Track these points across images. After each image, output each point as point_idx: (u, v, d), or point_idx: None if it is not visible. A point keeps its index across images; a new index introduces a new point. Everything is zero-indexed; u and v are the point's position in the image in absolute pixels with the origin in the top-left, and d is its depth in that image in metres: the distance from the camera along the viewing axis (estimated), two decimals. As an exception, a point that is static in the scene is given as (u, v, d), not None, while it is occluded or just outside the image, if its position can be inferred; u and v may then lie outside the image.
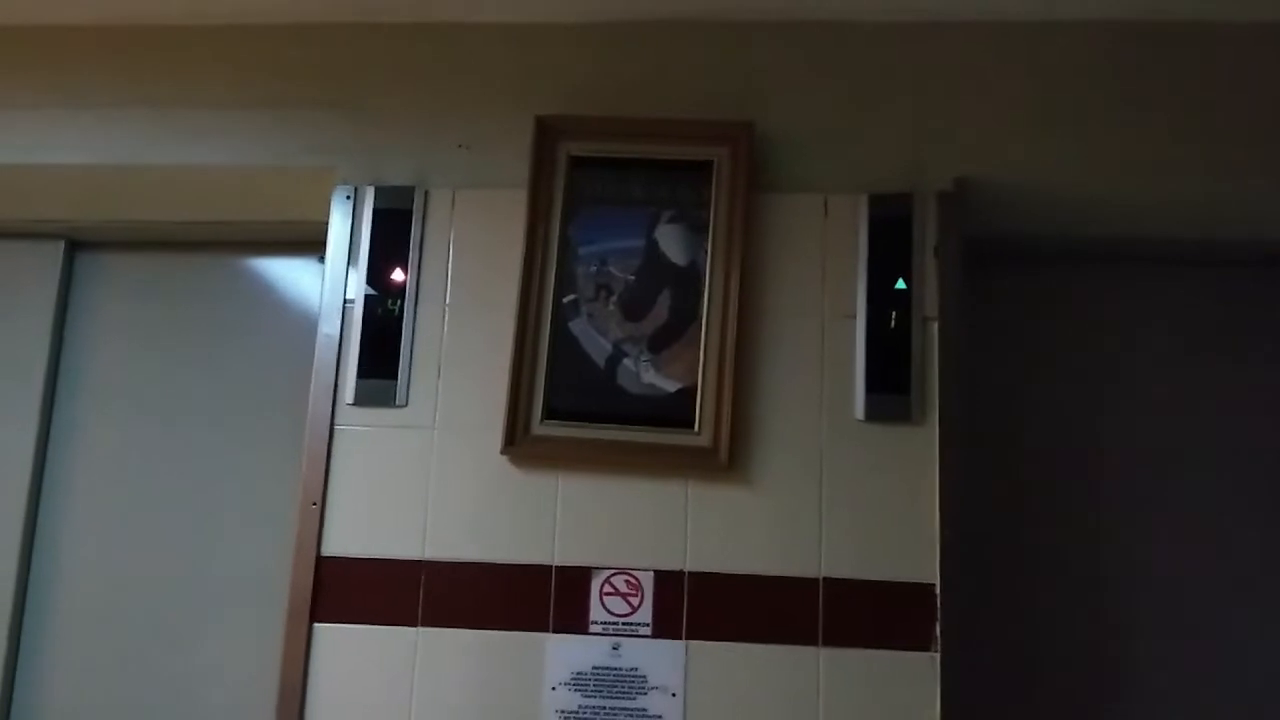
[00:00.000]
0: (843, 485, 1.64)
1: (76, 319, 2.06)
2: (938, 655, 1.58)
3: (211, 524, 1.95)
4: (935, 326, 1.68)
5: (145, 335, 2.04)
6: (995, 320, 1.90)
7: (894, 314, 1.68)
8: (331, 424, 1.70)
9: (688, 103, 1.78)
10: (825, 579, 1.62)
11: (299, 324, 1.99)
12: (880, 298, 1.69)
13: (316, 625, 1.64)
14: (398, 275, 1.74)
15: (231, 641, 1.90)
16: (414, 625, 1.63)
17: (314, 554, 1.66)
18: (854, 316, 1.69)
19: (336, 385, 1.72)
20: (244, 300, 2.04)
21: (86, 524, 1.98)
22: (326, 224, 1.80)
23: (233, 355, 2.02)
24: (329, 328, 1.74)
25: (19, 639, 1.94)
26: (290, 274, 2.04)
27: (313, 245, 1.95)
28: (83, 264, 2.08)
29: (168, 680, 1.90)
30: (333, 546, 1.66)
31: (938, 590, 1.60)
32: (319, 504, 1.67)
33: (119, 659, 1.92)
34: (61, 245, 2.06)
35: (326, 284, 1.76)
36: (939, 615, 1.59)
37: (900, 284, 1.69)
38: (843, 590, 1.61)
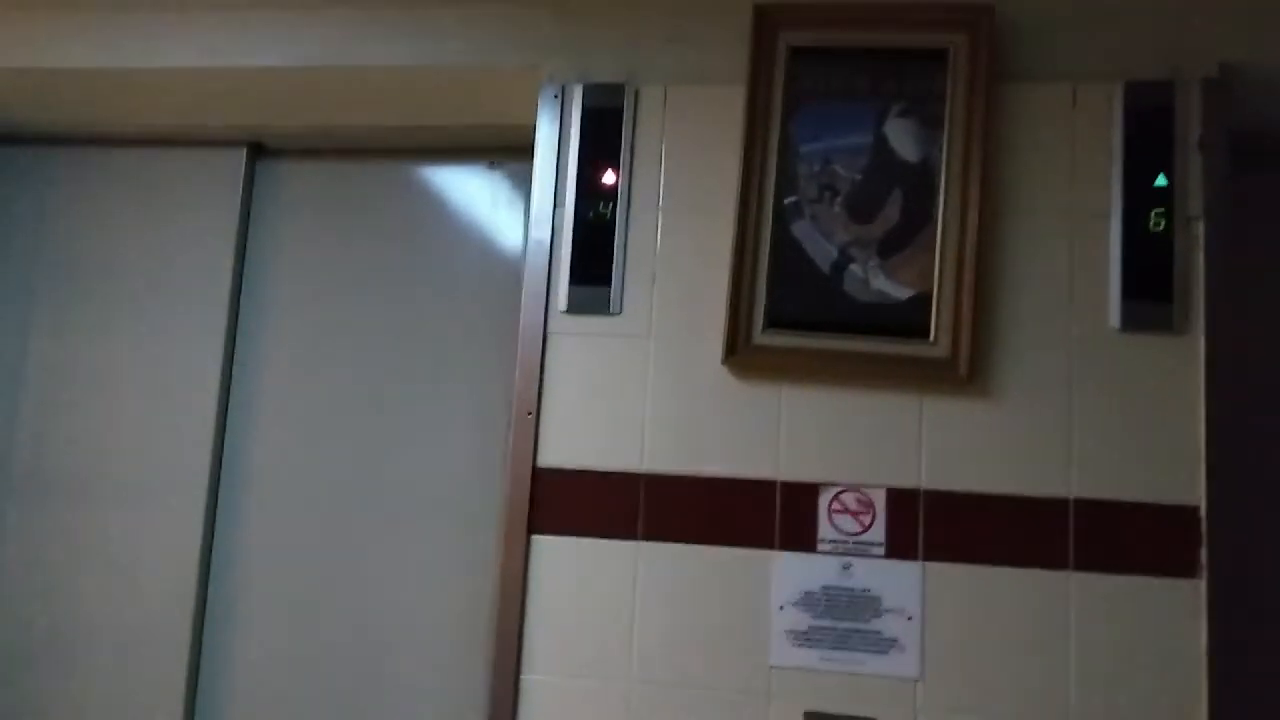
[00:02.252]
0: (1096, 399, 1.52)
1: (259, 229, 2.04)
2: (1203, 582, 1.46)
3: (403, 436, 1.92)
4: (1200, 227, 1.53)
5: (331, 244, 2.01)
6: (1265, 221, 1.72)
7: (1153, 214, 1.54)
8: (545, 332, 1.65)
9: (921, -15, 1.65)
10: (1076, 499, 1.50)
11: (491, 231, 1.94)
12: (1137, 196, 1.54)
13: (534, 537, 1.60)
14: (609, 178, 1.66)
15: (429, 555, 1.87)
16: (634, 539, 1.58)
17: (530, 465, 1.61)
18: (1108, 217, 1.55)
19: (549, 292, 1.66)
20: (434, 207, 1.98)
21: (275, 437, 1.97)
22: (525, 127, 1.74)
23: (423, 264, 1.97)
24: (539, 233, 1.67)
25: (210, 551, 1.94)
26: (482, 180, 1.98)
27: (507, 150, 1.90)
28: (265, 171, 2.05)
29: (367, 594, 1.89)
30: (549, 457, 1.61)
31: (1203, 512, 1.47)
32: (534, 414, 1.62)
33: (314, 572, 1.91)
34: (244, 152, 2.04)
35: (536, 188, 1.69)
36: (1205, 539, 1.47)
37: (1160, 180, 1.54)
38: (1096, 511, 1.49)
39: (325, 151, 2.04)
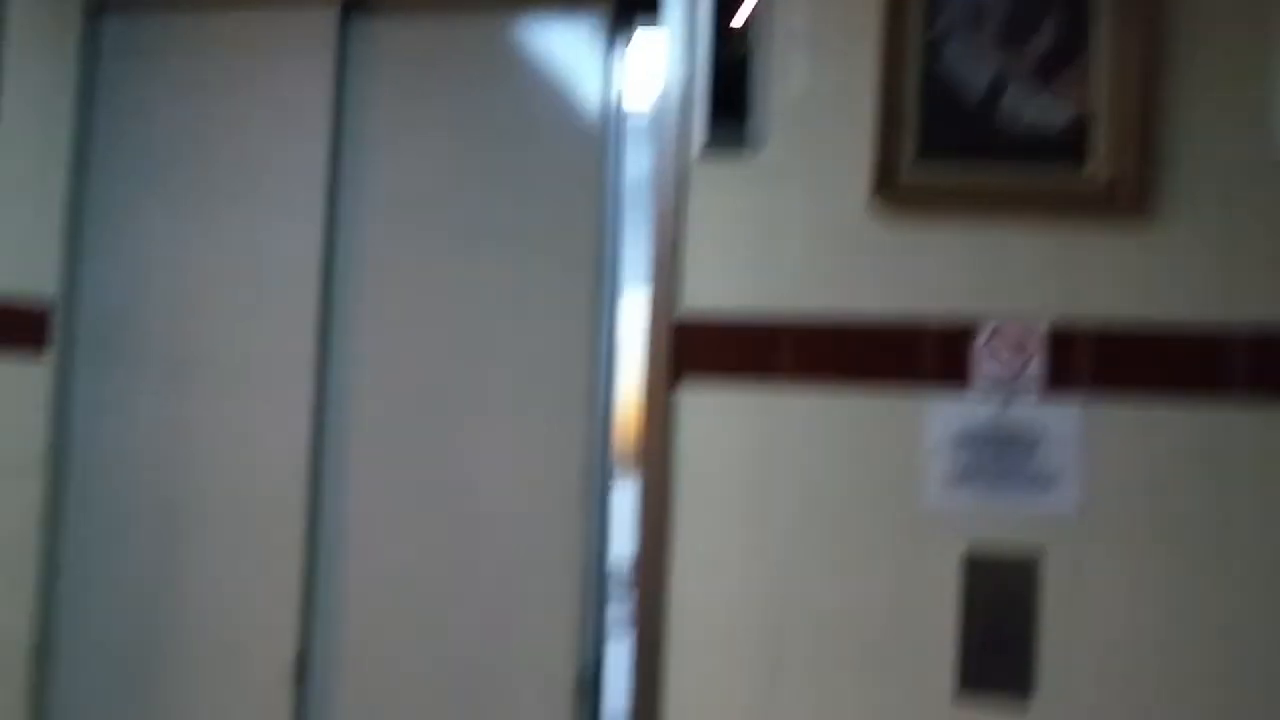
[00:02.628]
0: (1265, 224, 1.45)
1: (354, 91, 1.94)
2: (1381, 409, 1.42)
3: (506, 308, 1.85)
4: (1381, 40, 1.46)
5: (430, 106, 1.91)
6: None
7: (1330, 27, 1.46)
8: (682, 174, 1.58)
9: None
10: (1245, 329, 1.44)
11: (602, 83, 1.84)
12: (1312, 9, 1.47)
13: (678, 386, 1.56)
14: (747, 8, 1.58)
15: (524, 426, 1.82)
16: (783, 383, 1.54)
17: (671, 311, 1.57)
18: (1275, 35, 1.47)
19: (686, 133, 1.59)
20: (539, 62, 1.89)
21: (378, 311, 1.90)
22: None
23: (527, 124, 1.87)
24: (675, 71, 1.60)
25: (321, 429, 1.90)
26: (591, 29, 1.86)
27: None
28: (358, 31, 1.94)
29: (471, 471, 1.85)
30: (692, 303, 1.57)
31: (1381, 338, 1.43)
32: (673, 259, 1.57)
33: (413, 445, 1.87)
34: (336, 11, 1.93)
35: (670, 25, 1.61)
36: (1383, 366, 1.42)
37: (1338, -8, 1.46)
38: (1267, 341, 1.44)
39: (423, 6, 1.93)
